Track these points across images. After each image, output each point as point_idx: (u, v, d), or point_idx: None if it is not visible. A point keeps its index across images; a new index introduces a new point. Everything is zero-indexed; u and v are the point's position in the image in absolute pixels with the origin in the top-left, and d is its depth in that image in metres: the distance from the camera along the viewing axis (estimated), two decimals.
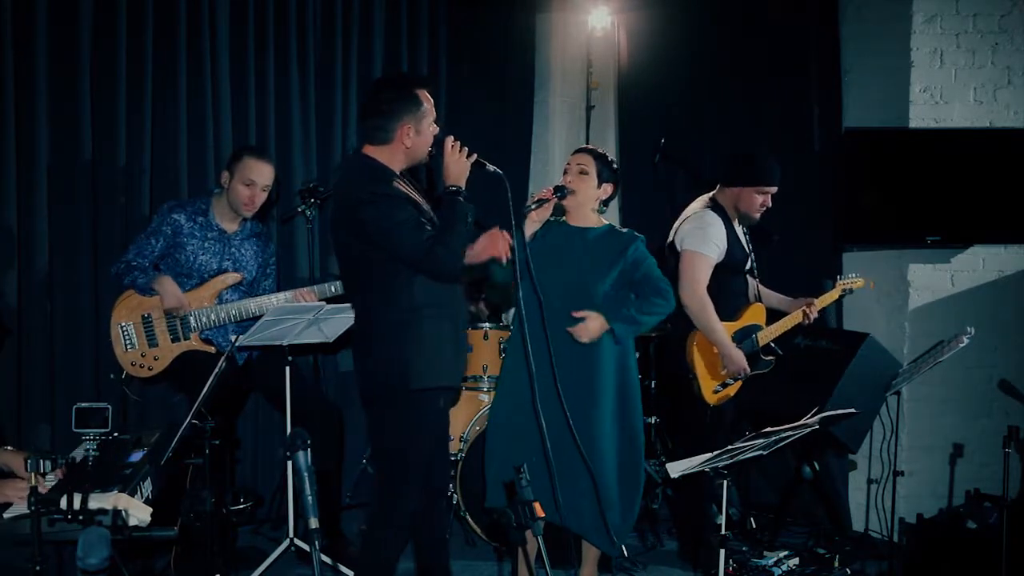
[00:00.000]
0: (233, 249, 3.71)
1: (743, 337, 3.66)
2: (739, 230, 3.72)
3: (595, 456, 3.08)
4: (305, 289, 3.64)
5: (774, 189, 3.66)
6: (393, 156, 2.77)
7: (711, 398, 3.63)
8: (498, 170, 2.80)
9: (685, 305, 3.51)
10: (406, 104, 2.74)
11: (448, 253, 2.67)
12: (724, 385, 3.63)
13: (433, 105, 2.81)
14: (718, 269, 3.61)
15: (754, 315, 3.73)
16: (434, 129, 2.81)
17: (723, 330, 3.56)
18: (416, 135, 2.75)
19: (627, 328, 3.10)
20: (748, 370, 3.59)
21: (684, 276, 3.54)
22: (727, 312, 3.65)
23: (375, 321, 2.76)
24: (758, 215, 3.69)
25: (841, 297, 4.00)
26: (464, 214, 2.73)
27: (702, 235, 3.58)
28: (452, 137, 2.78)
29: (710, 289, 3.57)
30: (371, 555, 2.82)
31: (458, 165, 2.75)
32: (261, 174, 3.62)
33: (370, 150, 2.78)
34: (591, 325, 3.06)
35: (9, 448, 2.71)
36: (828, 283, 4.42)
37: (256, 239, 3.80)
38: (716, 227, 3.60)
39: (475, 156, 2.78)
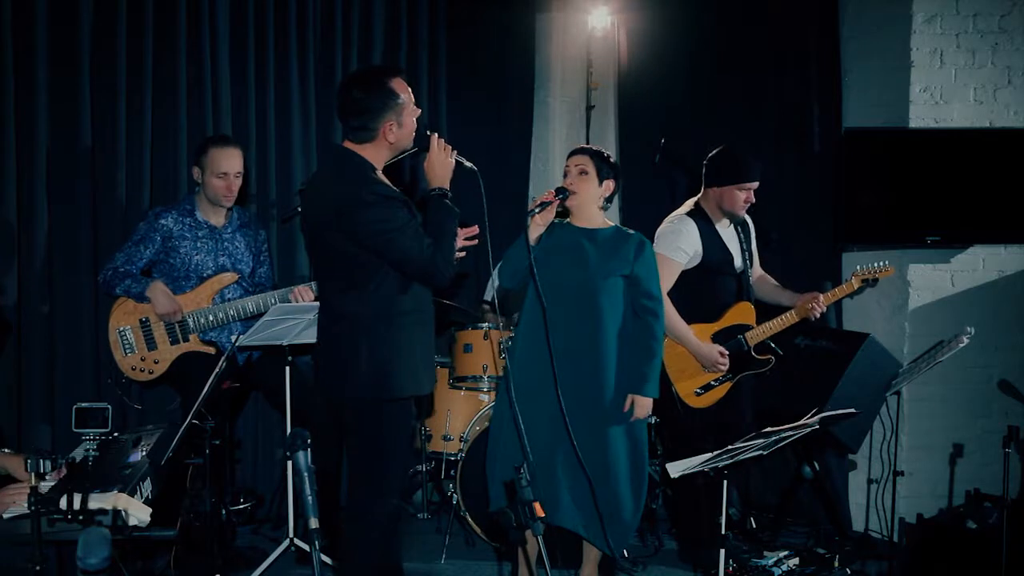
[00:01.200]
0: (226, 243, 3.71)
1: (727, 337, 3.65)
2: (724, 231, 3.72)
3: (606, 458, 3.09)
4: (302, 287, 3.63)
5: (755, 184, 3.66)
6: (377, 152, 2.72)
7: (694, 401, 3.63)
8: (474, 167, 2.79)
9: None
10: (384, 100, 2.66)
11: (445, 261, 2.67)
12: (707, 387, 3.63)
13: (410, 92, 2.74)
14: (698, 271, 3.64)
15: (740, 315, 3.70)
16: (416, 111, 2.75)
17: (687, 329, 3.57)
18: (399, 128, 2.70)
19: (656, 379, 3.13)
20: (725, 362, 3.59)
21: None
22: (709, 314, 3.66)
23: (358, 325, 2.67)
24: (743, 212, 3.69)
25: (860, 289, 3.80)
26: (454, 218, 2.72)
27: (672, 239, 3.62)
28: (437, 134, 2.75)
29: (693, 291, 3.60)
30: (353, 558, 2.78)
31: (444, 166, 2.73)
32: (231, 163, 3.61)
33: (353, 146, 2.72)
34: (644, 407, 3.11)
35: (7, 450, 2.71)
36: (828, 283, 4.44)
37: (246, 228, 3.81)
38: (687, 234, 3.62)
39: (456, 153, 2.77)
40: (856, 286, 3.72)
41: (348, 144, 2.73)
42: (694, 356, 3.60)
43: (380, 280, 2.66)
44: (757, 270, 3.90)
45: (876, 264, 3.71)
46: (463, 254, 2.87)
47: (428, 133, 2.76)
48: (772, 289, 3.88)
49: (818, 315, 3.69)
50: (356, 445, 2.80)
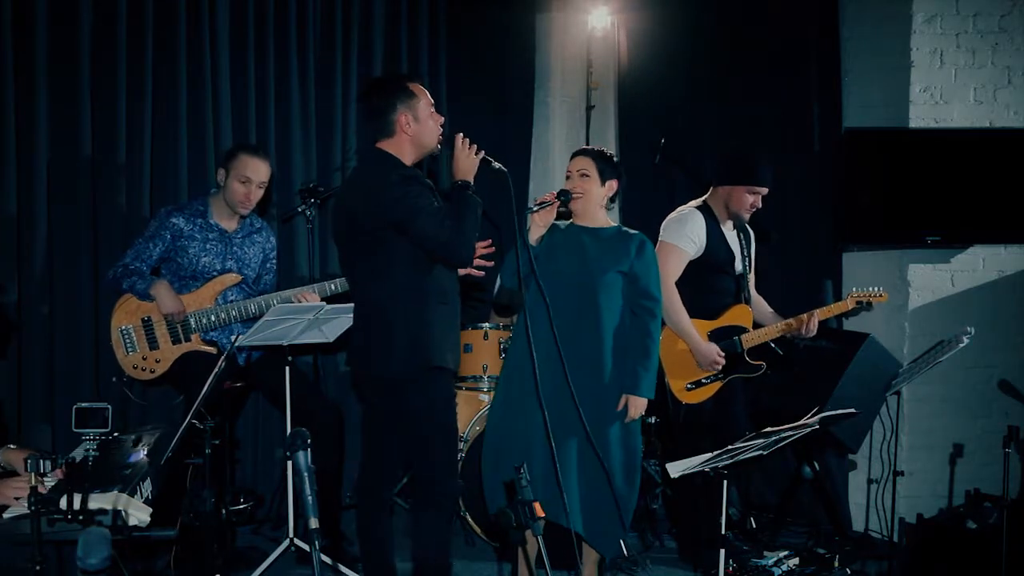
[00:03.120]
0: (235, 248, 3.71)
1: (723, 337, 3.66)
2: (729, 232, 3.74)
3: (602, 455, 3.08)
4: (306, 290, 3.64)
5: (765, 190, 3.69)
6: (401, 148, 2.87)
7: (683, 396, 3.64)
8: (503, 167, 2.90)
9: None
10: (396, 94, 2.85)
11: (464, 242, 2.77)
12: (697, 384, 3.63)
13: (428, 94, 2.91)
14: (701, 267, 3.65)
15: (738, 316, 3.72)
16: (437, 118, 2.92)
17: (689, 323, 3.59)
18: (415, 122, 2.86)
19: (651, 379, 3.13)
20: (721, 363, 3.59)
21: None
22: (708, 310, 3.67)
23: (390, 305, 2.81)
24: (748, 215, 3.72)
25: (855, 311, 3.86)
26: (475, 206, 2.82)
27: (678, 228, 3.65)
28: (462, 134, 2.87)
29: (693, 286, 3.61)
30: (433, 544, 2.86)
31: (467, 161, 2.85)
32: (257, 171, 3.62)
33: (381, 145, 2.89)
34: (638, 407, 3.11)
35: (12, 446, 2.71)
36: (828, 282, 4.45)
37: (257, 235, 3.80)
38: (694, 223, 3.65)
39: (482, 153, 2.87)
40: (851, 306, 3.76)
41: (377, 144, 2.90)
42: (692, 352, 3.60)
43: (407, 262, 2.79)
44: (753, 292, 3.90)
45: (871, 289, 3.76)
46: (490, 262, 3.01)
47: (454, 134, 2.89)
48: (765, 313, 3.86)
49: (813, 331, 3.68)
50: (409, 425, 2.87)
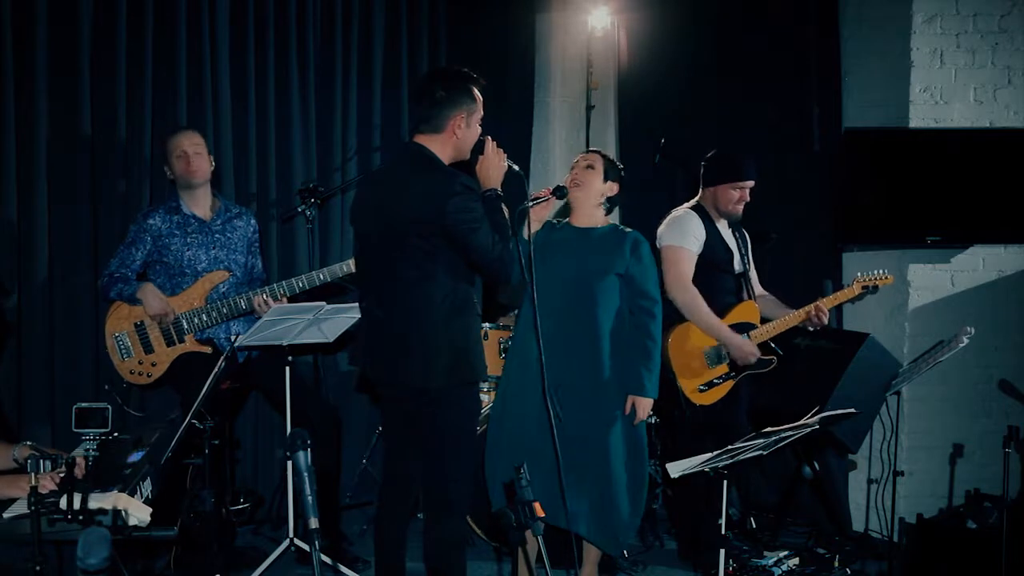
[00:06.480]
0: (217, 235, 3.68)
1: None
2: (725, 232, 3.75)
3: (605, 457, 3.09)
4: (266, 294, 3.58)
5: (750, 183, 3.71)
6: (443, 147, 2.78)
7: (697, 397, 3.64)
8: (520, 170, 2.86)
9: (674, 299, 3.55)
10: (460, 95, 2.78)
11: (511, 259, 2.72)
12: (711, 384, 3.63)
13: (482, 103, 2.83)
14: (702, 266, 3.66)
15: (745, 313, 3.72)
16: (479, 127, 2.84)
17: (719, 320, 3.59)
18: (466, 128, 2.79)
19: (654, 379, 3.13)
20: (758, 355, 3.60)
21: (669, 272, 3.59)
22: (714, 310, 3.66)
23: (440, 314, 2.71)
24: (738, 210, 3.73)
25: (861, 296, 3.83)
26: (509, 220, 2.77)
27: (678, 229, 3.66)
28: (491, 138, 2.81)
29: (696, 286, 3.60)
30: (452, 551, 2.82)
31: (498, 168, 2.80)
32: (190, 142, 3.60)
33: (421, 139, 2.79)
34: (645, 408, 3.11)
35: (29, 443, 2.71)
36: (828, 283, 4.44)
37: (237, 219, 3.78)
38: (692, 222, 3.67)
39: (506, 156, 2.83)
40: (857, 292, 3.75)
41: (418, 137, 2.79)
42: (726, 348, 3.59)
43: (456, 271, 2.72)
44: (758, 287, 3.90)
45: (876, 272, 3.74)
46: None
47: (482, 137, 2.83)
48: (773, 306, 3.86)
49: (823, 321, 3.68)
50: (436, 434, 2.80)
